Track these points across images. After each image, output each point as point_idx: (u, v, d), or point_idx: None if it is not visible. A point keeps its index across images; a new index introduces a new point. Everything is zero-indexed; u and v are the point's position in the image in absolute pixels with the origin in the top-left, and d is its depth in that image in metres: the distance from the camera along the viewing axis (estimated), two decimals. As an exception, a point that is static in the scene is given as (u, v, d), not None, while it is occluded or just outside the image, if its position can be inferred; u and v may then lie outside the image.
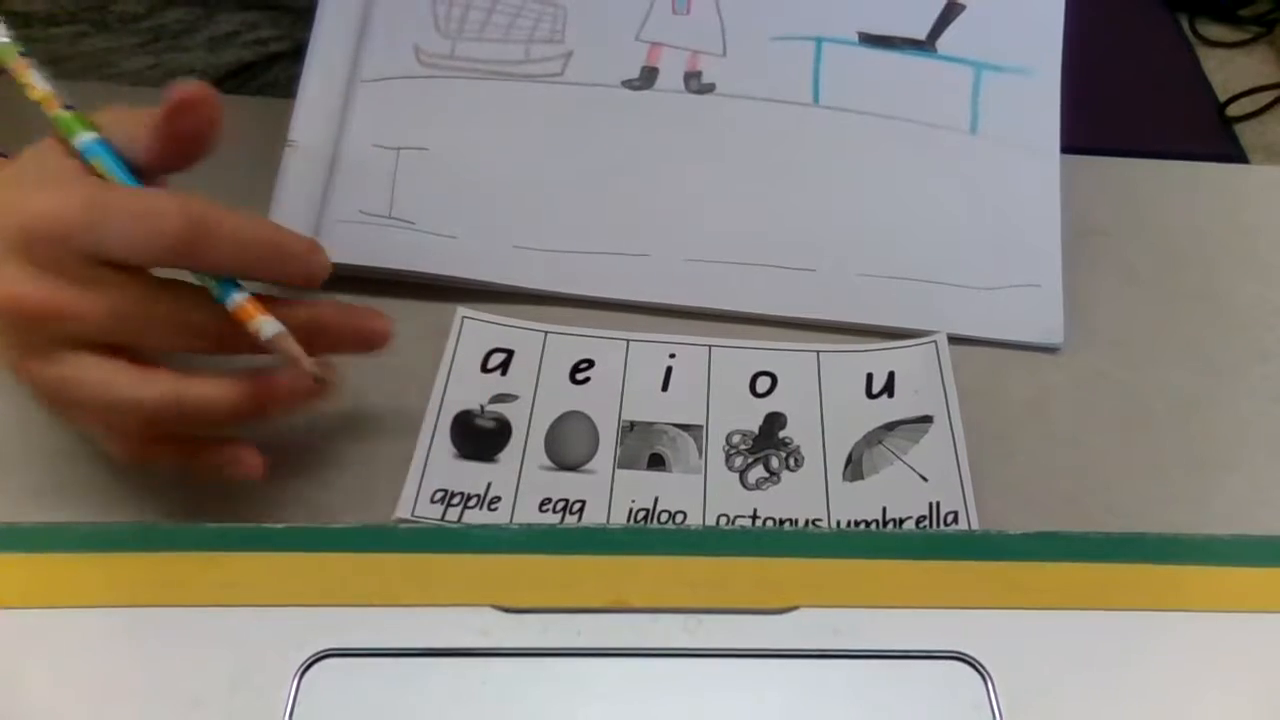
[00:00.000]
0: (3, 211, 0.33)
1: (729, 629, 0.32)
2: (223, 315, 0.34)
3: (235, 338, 0.34)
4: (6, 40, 0.36)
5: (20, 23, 0.54)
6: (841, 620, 0.32)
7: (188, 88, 0.34)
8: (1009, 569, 0.34)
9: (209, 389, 0.34)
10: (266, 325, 0.34)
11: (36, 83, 0.35)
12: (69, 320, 0.33)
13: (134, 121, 0.35)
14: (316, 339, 0.35)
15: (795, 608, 0.33)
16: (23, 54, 0.36)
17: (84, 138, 0.34)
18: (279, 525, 0.34)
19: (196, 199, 0.33)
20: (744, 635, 0.32)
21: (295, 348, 0.34)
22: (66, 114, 0.35)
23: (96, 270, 0.33)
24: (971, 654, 0.32)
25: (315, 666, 0.31)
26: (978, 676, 0.31)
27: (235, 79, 0.60)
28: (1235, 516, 0.40)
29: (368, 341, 0.38)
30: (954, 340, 0.44)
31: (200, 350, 0.35)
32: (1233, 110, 0.80)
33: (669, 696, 0.31)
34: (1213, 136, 0.79)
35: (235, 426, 0.36)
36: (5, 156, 0.39)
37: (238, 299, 0.34)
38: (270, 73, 0.61)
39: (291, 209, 0.44)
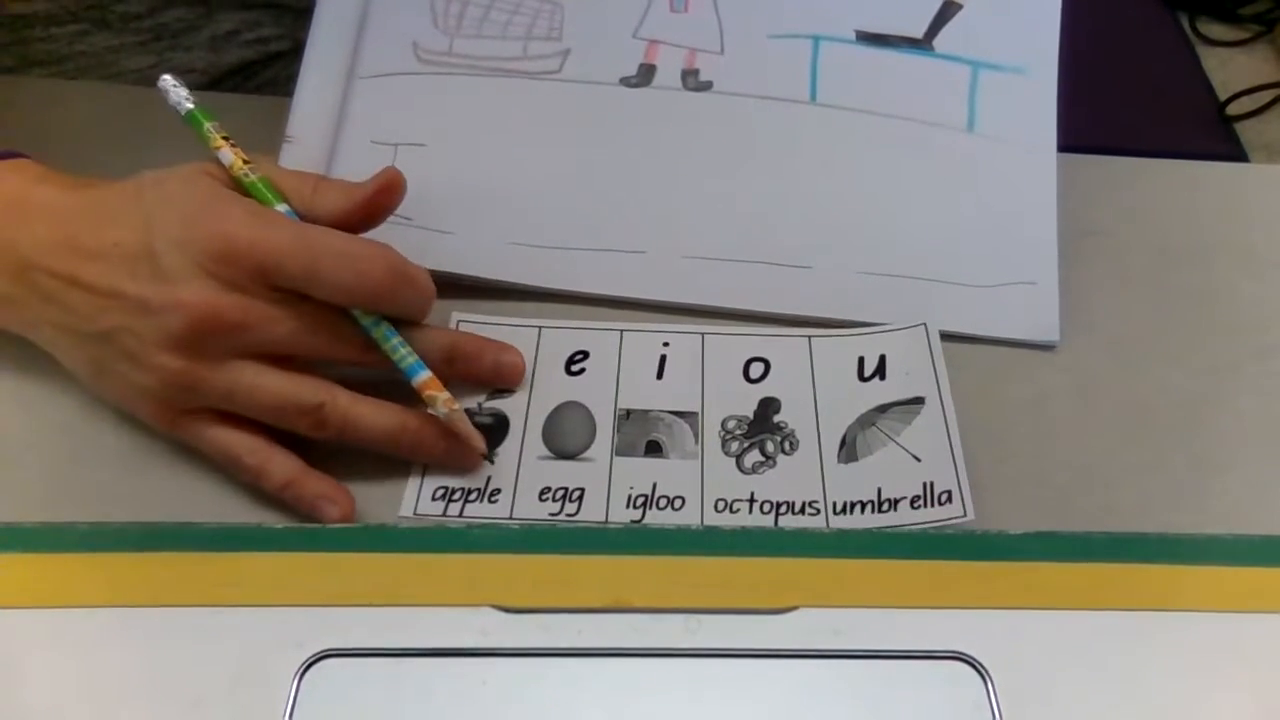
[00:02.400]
0: (185, 227, 0.36)
1: (729, 629, 0.32)
2: (368, 341, 0.38)
3: (375, 357, 0.38)
4: (192, 106, 0.40)
5: (21, 23, 0.54)
6: (841, 620, 0.32)
7: (393, 175, 0.40)
8: (1009, 569, 0.34)
9: (375, 415, 0.38)
10: (443, 403, 0.38)
11: (224, 155, 0.39)
12: (255, 333, 0.36)
13: (319, 188, 0.40)
14: (455, 365, 0.40)
15: (795, 608, 0.33)
16: (212, 125, 0.40)
17: (279, 208, 0.38)
18: (279, 525, 0.35)
19: (392, 250, 0.38)
20: (744, 635, 0.32)
21: (469, 428, 0.38)
22: (258, 181, 0.39)
23: (277, 294, 0.37)
24: (971, 654, 0.32)
25: (315, 666, 0.31)
26: (978, 676, 0.31)
27: (237, 77, 0.60)
28: (1235, 516, 0.40)
29: (501, 375, 0.41)
30: (951, 338, 0.44)
31: (345, 363, 0.39)
32: (1233, 109, 0.80)
33: (669, 696, 0.31)
34: (1213, 136, 0.79)
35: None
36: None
37: (422, 377, 0.38)
38: (271, 71, 0.61)
39: None
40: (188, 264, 0.35)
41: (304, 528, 0.34)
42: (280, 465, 0.37)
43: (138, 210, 0.36)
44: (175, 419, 0.38)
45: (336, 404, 0.37)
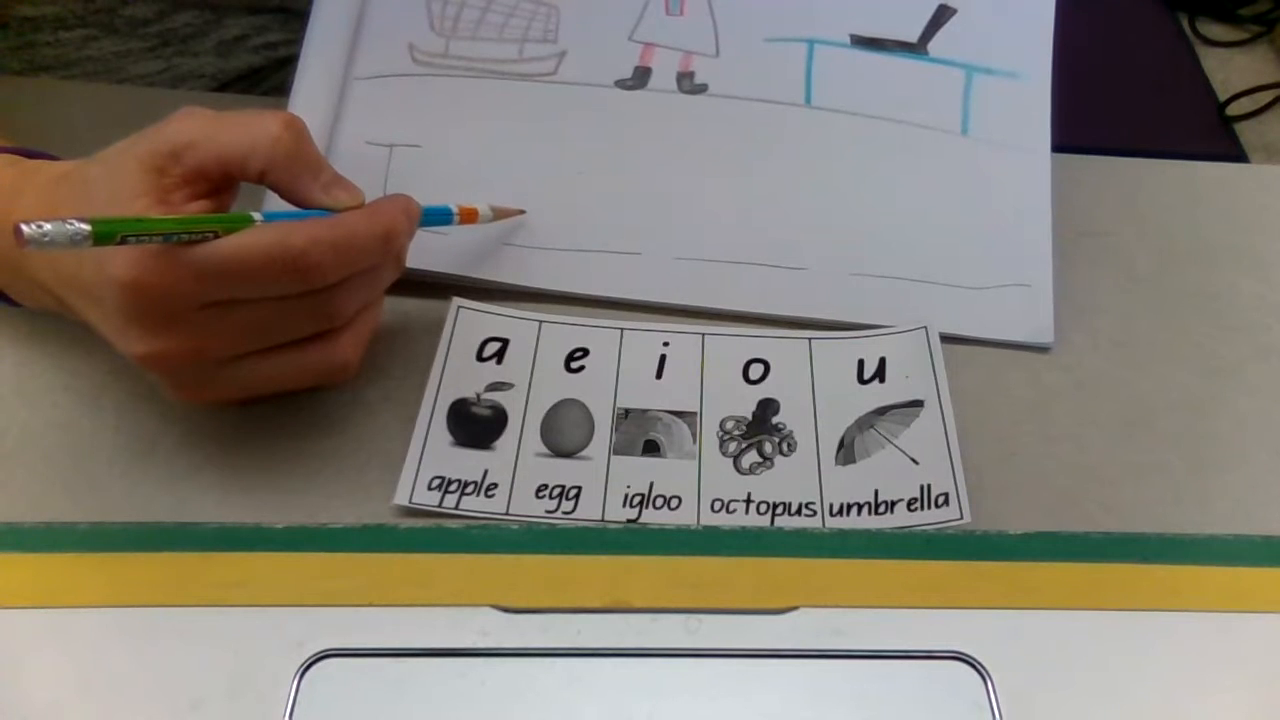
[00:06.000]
0: (95, 270, 0.34)
1: (729, 629, 0.32)
2: (313, 302, 0.36)
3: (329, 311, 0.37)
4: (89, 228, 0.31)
5: (30, 27, 0.54)
6: (841, 620, 0.32)
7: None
8: (1009, 569, 0.34)
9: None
10: (484, 209, 0.44)
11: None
12: (218, 350, 0.36)
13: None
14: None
15: (795, 608, 0.33)
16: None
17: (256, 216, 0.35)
18: (279, 525, 0.35)
19: (294, 233, 0.35)
20: (744, 635, 0.32)
21: (504, 208, 0.45)
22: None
23: (206, 309, 0.34)
24: (971, 654, 0.32)
25: (315, 666, 0.31)
26: (978, 676, 0.31)
27: (244, 83, 0.60)
28: (1235, 516, 0.40)
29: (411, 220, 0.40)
30: (950, 340, 0.44)
31: (313, 327, 0.38)
32: (1233, 109, 0.80)
33: (669, 696, 0.31)
34: (1213, 136, 0.79)
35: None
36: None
37: (454, 211, 0.43)
38: (279, 76, 0.61)
39: (284, 204, 0.44)
40: (117, 313, 0.34)
41: (304, 527, 0.34)
42: (343, 342, 0.38)
43: None
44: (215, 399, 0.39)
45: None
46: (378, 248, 0.37)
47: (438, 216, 0.42)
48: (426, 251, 0.45)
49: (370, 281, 0.39)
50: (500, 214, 0.45)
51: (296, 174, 0.37)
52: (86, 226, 0.30)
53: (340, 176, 0.38)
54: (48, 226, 0.29)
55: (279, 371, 0.38)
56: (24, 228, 0.29)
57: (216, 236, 0.34)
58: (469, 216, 0.43)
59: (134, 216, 0.33)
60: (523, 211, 0.46)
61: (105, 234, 0.31)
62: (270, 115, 0.37)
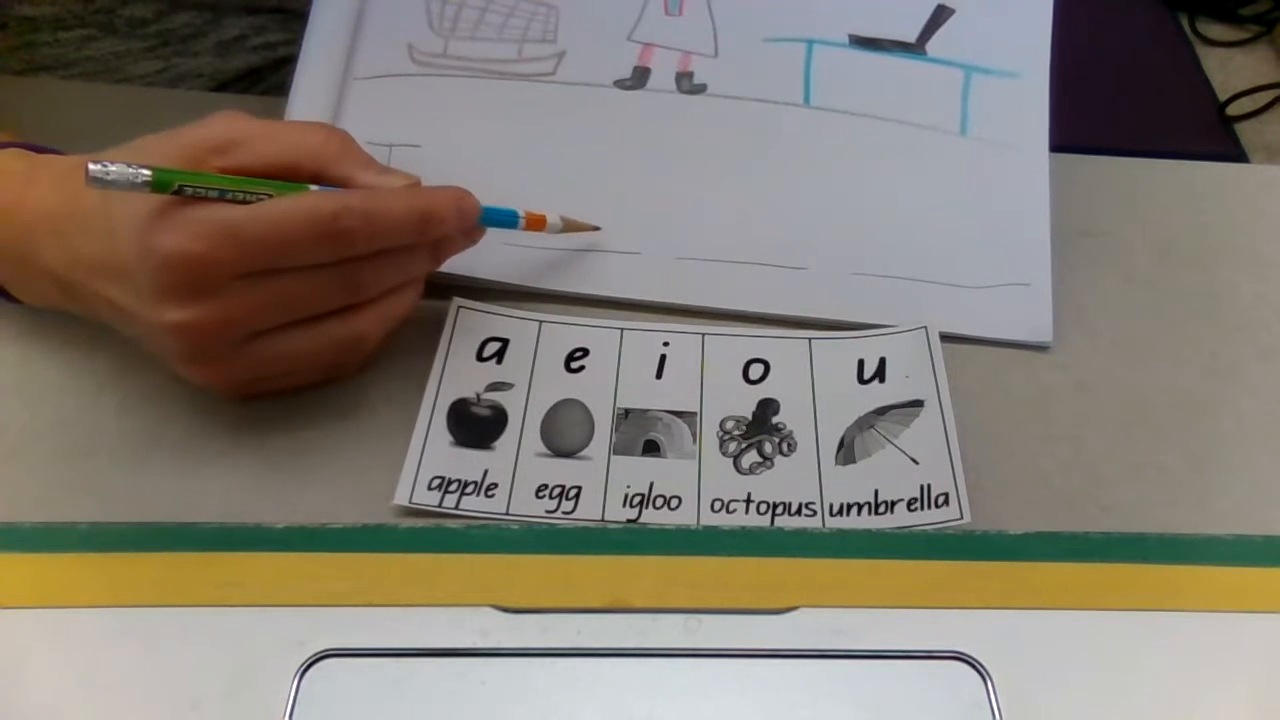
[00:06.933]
0: (135, 241, 0.34)
1: (729, 629, 0.32)
2: (340, 274, 0.37)
3: (360, 283, 0.38)
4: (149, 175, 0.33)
5: (29, 27, 0.54)
6: (842, 620, 0.32)
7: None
8: (1009, 569, 0.34)
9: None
10: (554, 219, 0.44)
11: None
12: (248, 323, 0.36)
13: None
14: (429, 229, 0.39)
15: (795, 608, 0.33)
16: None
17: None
18: (279, 525, 0.35)
19: (328, 198, 0.36)
20: (744, 635, 0.32)
21: (577, 222, 0.45)
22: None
23: (236, 280, 0.35)
24: (971, 654, 0.32)
25: (315, 666, 0.31)
26: (978, 676, 0.31)
27: (243, 83, 0.60)
28: (1235, 516, 0.40)
29: (466, 221, 0.40)
30: (950, 339, 0.44)
31: (337, 301, 0.38)
32: (1233, 109, 0.80)
33: (669, 696, 0.31)
34: (1213, 136, 0.79)
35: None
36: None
37: (520, 215, 0.42)
38: (277, 76, 0.61)
39: None
40: (153, 283, 0.34)
41: (304, 528, 0.34)
42: (364, 316, 0.39)
43: (103, 213, 0.35)
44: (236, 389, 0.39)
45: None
46: (412, 225, 0.38)
47: (501, 218, 0.42)
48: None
49: (401, 262, 0.39)
50: (571, 226, 0.45)
51: (349, 171, 0.38)
52: (147, 172, 0.33)
53: (393, 168, 0.39)
54: (113, 168, 0.32)
55: (299, 346, 0.38)
56: (91, 165, 0.32)
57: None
58: (536, 224, 0.43)
59: (191, 170, 0.34)
60: (598, 228, 0.46)
61: (163, 182, 0.33)
62: (314, 123, 0.39)
